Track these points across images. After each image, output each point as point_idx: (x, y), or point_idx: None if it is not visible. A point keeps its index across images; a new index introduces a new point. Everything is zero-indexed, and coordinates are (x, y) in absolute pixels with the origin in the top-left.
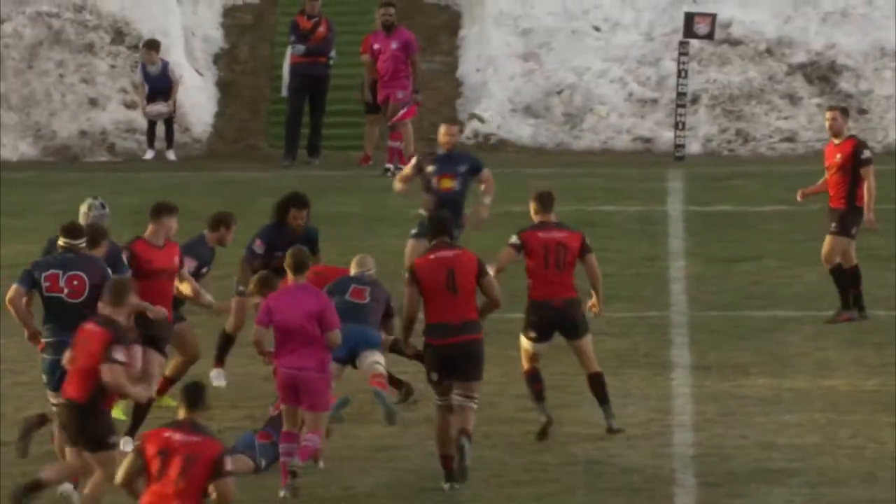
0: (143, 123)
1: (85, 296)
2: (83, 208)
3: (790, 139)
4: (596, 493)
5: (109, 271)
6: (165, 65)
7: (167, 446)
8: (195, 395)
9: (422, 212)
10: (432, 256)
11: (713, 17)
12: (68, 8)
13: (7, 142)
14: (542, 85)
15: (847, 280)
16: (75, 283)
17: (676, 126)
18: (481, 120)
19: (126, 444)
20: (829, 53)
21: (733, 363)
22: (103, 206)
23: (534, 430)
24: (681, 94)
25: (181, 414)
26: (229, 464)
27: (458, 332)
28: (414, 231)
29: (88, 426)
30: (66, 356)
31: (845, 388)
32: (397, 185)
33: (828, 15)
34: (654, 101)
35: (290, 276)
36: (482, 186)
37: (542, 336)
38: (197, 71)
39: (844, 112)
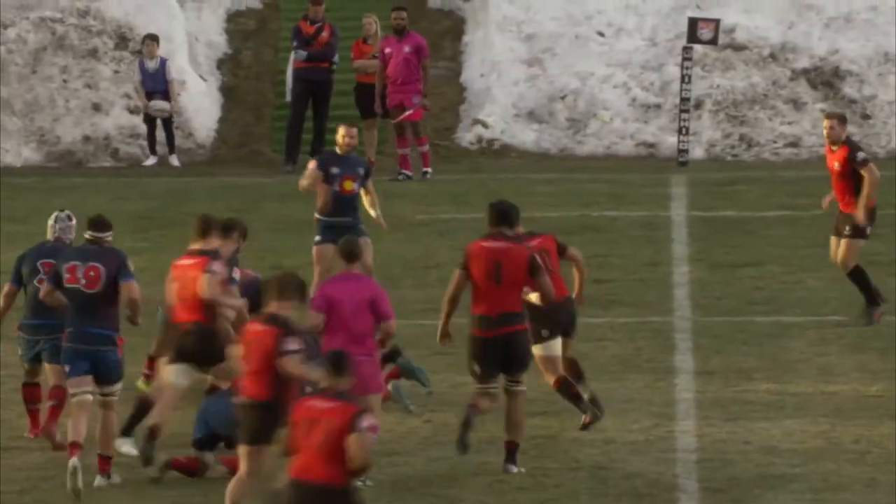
0: (146, 128)
1: (101, 286)
2: (50, 221)
3: (794, 144)
4: (599, 499)
5: (130, 264)
6: (164, 62)
7: (310, 414)
8: (339, 363)
9: (317, 215)
10: (485, 244)
11: (717, 22)
12: (72, 13)
13: (10, 147)
14: (546, 90)
15: (865, 278)
16: (91, 273)
17: (680, 131)
18: (485, 125)
19: (122, 445)
20: (832, 59)
21: (736, 368)
22: (69, 218)
23: (538, 436)
24: (684, 100)
25: (325, 383)
26: (366, 420)
27: (496, 326)
28: (318, 238)
29: (272, 423)
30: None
31: (848, 393)
32: (303, 183)
33: (831, 20)
34: (658, 107)
35: (344, 264)
36: (367, 197)
37: (553, 332)
38: (200, 76)
39: (843, 120)
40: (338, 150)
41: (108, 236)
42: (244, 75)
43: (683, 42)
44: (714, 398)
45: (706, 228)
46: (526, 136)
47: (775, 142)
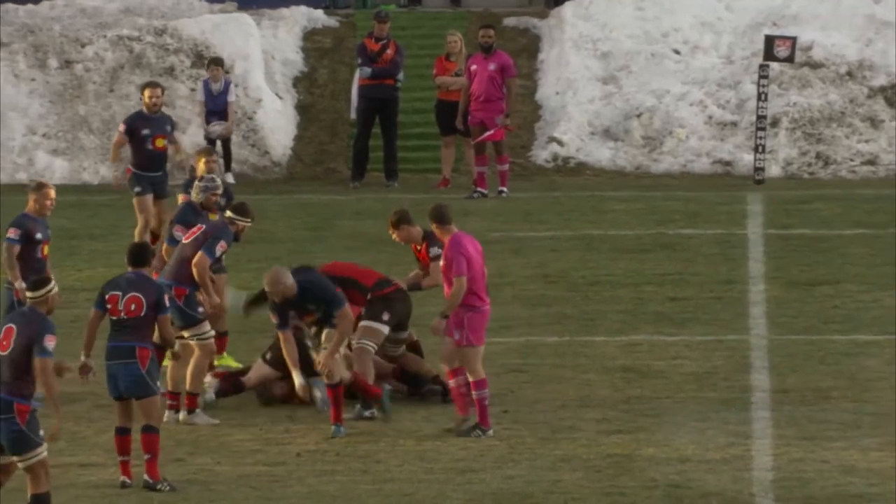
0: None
1: (191, 240)
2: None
3: (871, 162)
4: None
5: (218, 247)
6: (227, 85)
7: None
8: None
9: (132, 168)
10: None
11: (794, 40)
12: (149, 32)
13: (88, 165)
14: (622, 108)
15: None
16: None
17: (756, 149)
18: (560, 143)
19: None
20: None
21: (813, 387)
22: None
23: (613, 454)
24: (761, 117)
25: None
26: None
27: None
28: (138, 189)
29: None
30: None
31: None
32: (113, 154)
33: None
34: (734, 124)
35: (450, 227)
36: (173, 147)
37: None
38: (276, 94)
39: None
40: (145, 110)
41: (239, 219)
42: (320, 93)
43: (760, 60)
44: (790, 417)
45: (782, 246)
46: (601, 154)
47: (852, 160)
